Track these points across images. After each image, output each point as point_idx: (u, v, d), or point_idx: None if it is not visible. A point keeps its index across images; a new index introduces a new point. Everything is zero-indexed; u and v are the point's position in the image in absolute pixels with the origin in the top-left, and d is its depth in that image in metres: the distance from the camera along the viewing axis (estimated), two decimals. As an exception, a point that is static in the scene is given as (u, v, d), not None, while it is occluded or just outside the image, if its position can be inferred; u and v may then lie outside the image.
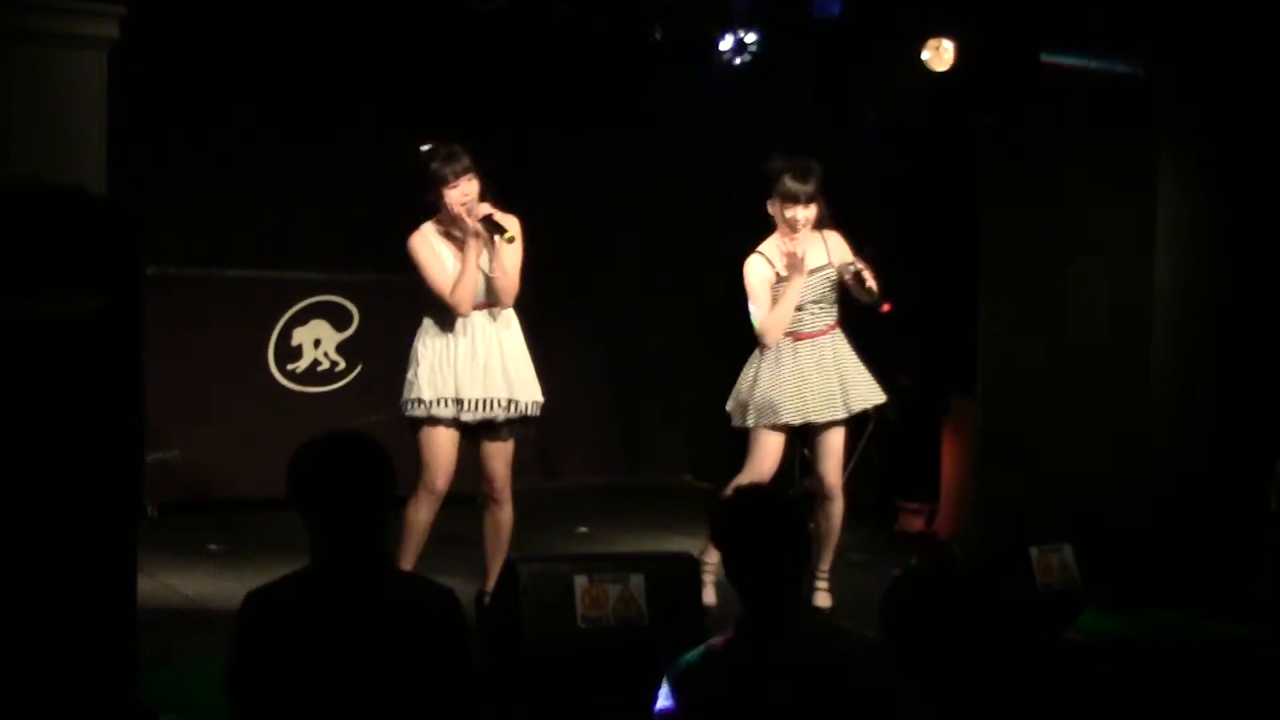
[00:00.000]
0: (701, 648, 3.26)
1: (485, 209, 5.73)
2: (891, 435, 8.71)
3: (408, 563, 5.74)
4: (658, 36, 8.51)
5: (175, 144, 8.44)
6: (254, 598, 3.16)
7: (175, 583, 6.53)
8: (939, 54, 7.65)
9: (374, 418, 8.33)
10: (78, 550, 4.45)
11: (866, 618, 5.92)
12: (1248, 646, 6.18)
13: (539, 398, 5.93)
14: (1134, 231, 6.88)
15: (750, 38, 8.32)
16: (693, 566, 5.37)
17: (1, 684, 4.34)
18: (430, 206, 5.83)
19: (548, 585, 4.94)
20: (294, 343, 8.51)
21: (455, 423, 5.80)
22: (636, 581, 5.03)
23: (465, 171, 5.74)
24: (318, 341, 8.56)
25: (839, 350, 6.24)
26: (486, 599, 5.80)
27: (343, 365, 8.59)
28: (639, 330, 10.05)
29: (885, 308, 6.31)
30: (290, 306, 8.49)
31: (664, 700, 3.16)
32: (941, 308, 8.57)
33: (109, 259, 4.51)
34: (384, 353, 8.48)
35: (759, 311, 6.19)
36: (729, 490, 6.10)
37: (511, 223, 5.81)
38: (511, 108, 9.24)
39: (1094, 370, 7.04)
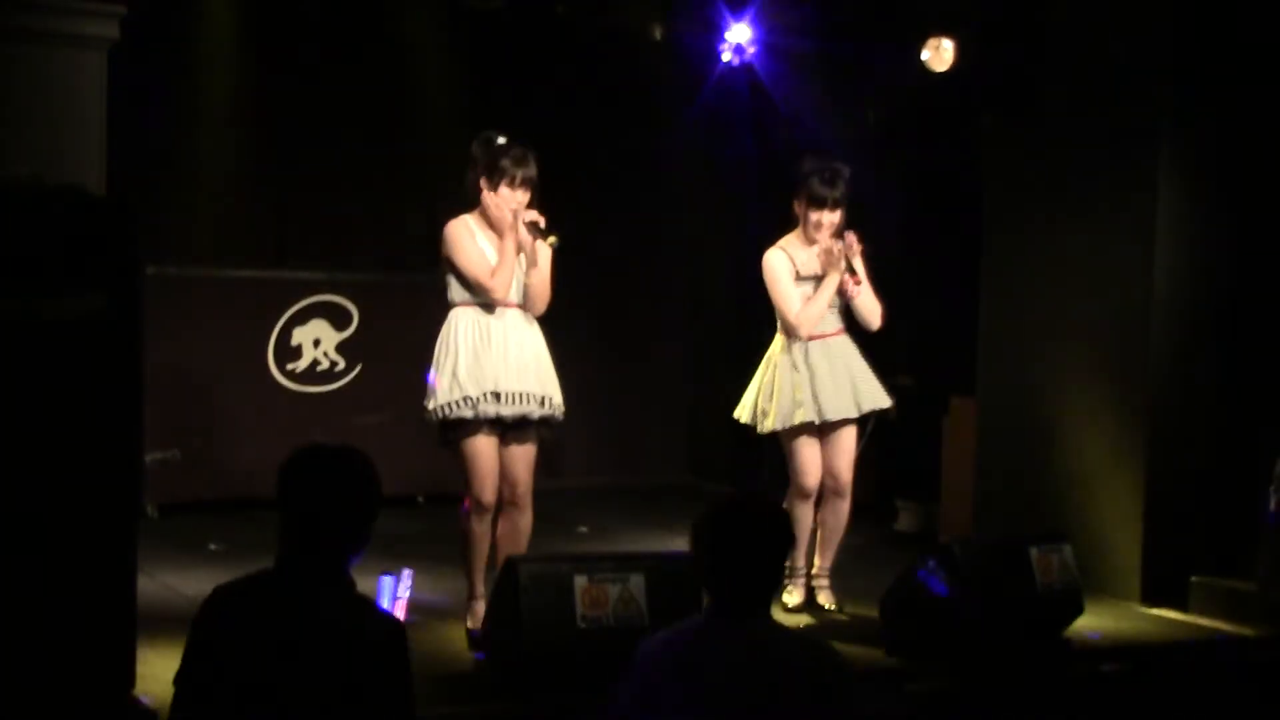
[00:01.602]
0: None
1: (533, 215, 5.67)
2: (891, 435, 8.71)
3: (476, 576, 5.66)
4: (658, 36, 8.51)
5: (175, 144, 8.44)
6: (217, 593, 3.18)
7: (175, 583, 6.53)
8: (939, 54, 7.65)
9: (373, 418, 8.35)
10: (78, 550, 4.45)
11: (867, 617, 5.95)
12: (1248, 646, 6.18)
13: (562, 402, 5.84)
14: (1134, 231, 6.88)
15: (750, 38, 8.33)
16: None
17: (2, 684, 4.34)
18: (471, 197, 5.71)
19: (548, 585, 4.94)
20: (294, 342, 8.51)
21: (495, 422, 5.64)
22: (636, 581, 5.04)
23: (528, 180, 5.69)
24: (317, 341, 8.55)
25: (847, 352, 6.26)
26: None
27: (342, 365, 8.59)
28: (639, 330, 10.05)
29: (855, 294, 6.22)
30: (290, 306, 8.48)
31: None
32: (941, 308, 8.57)
33: (109, 259, 4.51)
34: (384, 353, 8.50)
35: (789, 305, 6.16)
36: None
37: (544, 246, 5.74)
38: (511, 107, 9.23)
39: (1094, 370, 7.04)
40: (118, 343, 4.54)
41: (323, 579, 3.15)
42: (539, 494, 5.74)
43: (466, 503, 5.68)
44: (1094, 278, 7.06)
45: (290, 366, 8.51)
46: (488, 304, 5.66)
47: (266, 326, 8.44)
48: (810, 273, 6.19)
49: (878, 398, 6.26)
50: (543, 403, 5.68)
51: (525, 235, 5.62)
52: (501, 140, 5.74)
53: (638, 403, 10.07)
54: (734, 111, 9.29)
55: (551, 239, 5.64)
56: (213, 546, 7.41)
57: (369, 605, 3.27)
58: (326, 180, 8.95)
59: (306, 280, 8.59)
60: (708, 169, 9.86)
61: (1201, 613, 6.55)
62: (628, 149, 9.68)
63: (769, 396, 6.21)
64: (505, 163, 5.65)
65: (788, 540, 3.46)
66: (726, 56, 8.64)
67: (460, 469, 5.68)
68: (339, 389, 8.58)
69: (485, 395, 5.56)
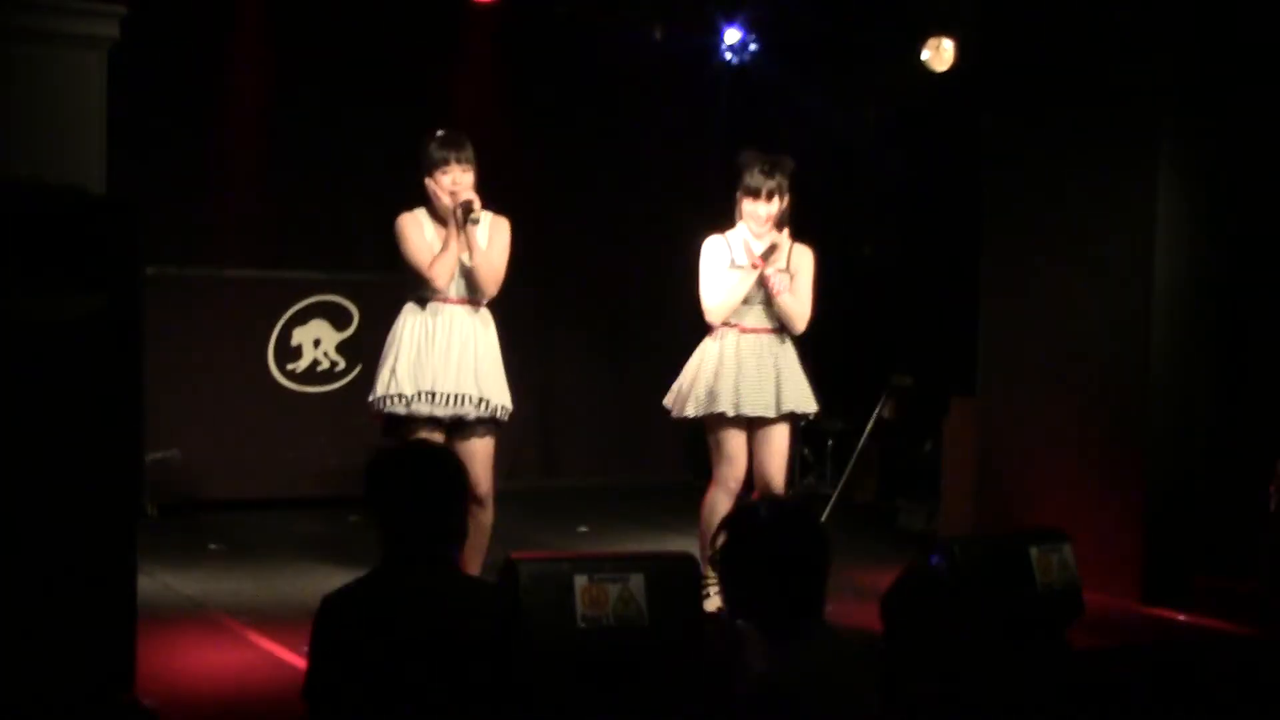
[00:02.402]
0: None
1: (469, 195, 5.74)
2: (891, 435, 8.72)
3: None
4: (658, 36, 8.52)
5: (175, 144, 8.44)
6: (328, 602, 3.23)
7: (175, 583, 6.53)
8: (939, 54, 7.66)
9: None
10: (78, 550, 4.45)
11: (867, 617, 5.94)
12: (1248, 646, 6.19)
13: (508, 403, 5.87)
14: (1134, 231, 6.88)
15: (750, 38, 8.34)
16: (693, 566, 5.36)
17: (1, 684, 4.34)
18: (423, 192, 5.83)
19: (548, 585, 4.94)
20: (294, 343, 8.51)
21: (432, 420, 5.75)
22: (636, 581, 5.03)
23: (462, 160, 5.75)
24: (318, 341, 8.55)
25: (779, 353, 6.19)
26: None
27: (343, 365, 8.59)
28: (639, 330, 10.04)
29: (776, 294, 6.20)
30: (290, 306, 8.48)
31: None
32: (941, 308, 8.57)
33: (109, 259, 4.51)
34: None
35: (708, 291, 6.16)
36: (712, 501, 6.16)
37: (500, 222, 5.84)
38: (511, 107, 9.25)
39: (1094, 370, 7.04)
40: (118, 343, 4.54)
41: (430, 570, 3.20)
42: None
43: None
44: (1094, 277, 7.06)
45: (290, 366, 8.50)
46: (434, 300, 5.73)
47: (266, 326, 8.44)
48: (745, 263, 6.17)
49: (802, 402, 6.19)
50: (480, 404, 5.74)
51: (460, 217, 5.71)
52: (440, 133, 5.85)
53: (638, 403, 10.05)
54: (734, 112, 9.30)
55: (474, 216, 5.72)
56: (213, 546, 7.41)
57: (476, 579, 3.34)
58: (326, 180, 8.95)
59: (306, 280, 8.59)
60: (708, 169, 9.85)
61: (1201, 613, 6.55)
62: (627, 149, 9.68)
63: (690, 383, 6.19)
64: (433, 147, 5.77)
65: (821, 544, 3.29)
66: (727, 57, 8.65)
67: None
68: (339, 389, 8.57)
69: (420, 394, 5.69)
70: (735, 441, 6.14)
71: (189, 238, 8.50)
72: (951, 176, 8.45)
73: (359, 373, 8.58)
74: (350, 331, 8.59)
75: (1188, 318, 6.93)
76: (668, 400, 6.40)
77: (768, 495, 6.18)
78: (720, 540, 3.21)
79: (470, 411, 5.75)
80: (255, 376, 8.40)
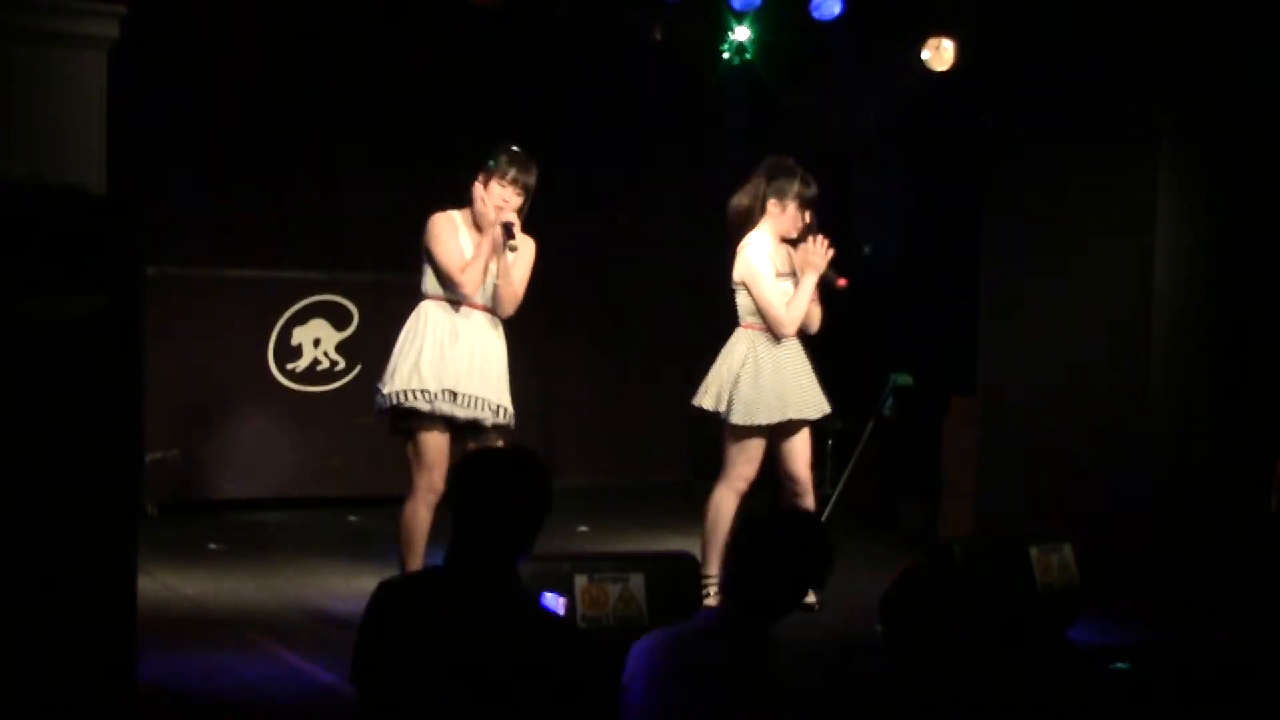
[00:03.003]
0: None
1: (511, 217, 5.75)
2: (891, 435, 8.72)
3: (416, 563, 5.70)
4: (658, 36, 8.52)
5: (175, 143, 8.44)
6: (382, 589, 3.24)
7: (175, 583, 6.53)
8: (939, 54, 7.66)
9: (373, 418, 8.35)
10: (78, 550, 4.45)
11: (867, 618, 5.94)
12: (1246, 646, 6.18)
13: (512, 413, 5.90)
14: (1134, 231, 6.88)
15: (750, 38, 8.33)
16: (693, 566, 5.36)
17: (2, 683, 4.34)
18: (450, 194, 5.82)
19: (548, 585, 4.94)
20: (294, 342, 8.51)
21: (448, 421, 5.74)
22: (636, 581, 5.03)
23: (521, 182, 5.75)
24: (317, 341, 8.56)
25: (802, 354, 6.25)
26: None
27: (342, 365, 8.59)
28: (640, 330, 10.04)
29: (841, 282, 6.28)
30: (290, 306, 8.48)
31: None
32: (941, 308, 8.57)
33: (109, 259, 4.51)
34: (384, 352, 8.46)
35: (779, 302, 6.14)
36: (720, 497, 6.18)
37: (527, 243, 5.86)
38: (512, 107, 9.23)
39: (1094, 370, 7.04)
40: (118, 343, 4.55)
41: (492, 576, 3.20)
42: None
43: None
44: (1094, 277, 7.06)
45: (290, 366, 8.51)
46: (457, 301, 5.73)
47: (266, 326, 8.45)
48: (787, 270, 6.20)
49: (826, 403, 6.28)
50: (497, 411, 5.77)
51: (499, 235, 5.69)
52: (515, 148, 5.86)
53: (638, 403, 10.07)
54: (735, 112, 9.29)
55: (513, 244, 5.73)
56: (213, 546, 7.42)
57: (535, 603, 3.32)
58: (326, 180, 8.96)
59: (306, 280, 8.60)
60: (708, 170, 9.85)
61: (1201, 612, 6.55)
62: (628, 150, 9.68)
63: (753, 387, 6.12)
64: (503, 159, 5.78)
65: (825, 559, 3.47)
66: (727, 57, 8.64)
67: (410, 456, 5.75)
68: (339, 389, 8.58)
69: (443, 393, 5.68)
70: (759, 445, 6.20)
71: (189, 238, 8.50)
72: (951, 177, 8.45)
73: (359, 373, 8.58)
74: (350, 331, 8.59)
75: (1188, 318, 6.93)
76: (714, 404, 6.21)
77: (798, 494, 6.20)
78: (732, 545, 3.43)
79: (488, 417, 5.76)
80: (255, 376, 8.40)
